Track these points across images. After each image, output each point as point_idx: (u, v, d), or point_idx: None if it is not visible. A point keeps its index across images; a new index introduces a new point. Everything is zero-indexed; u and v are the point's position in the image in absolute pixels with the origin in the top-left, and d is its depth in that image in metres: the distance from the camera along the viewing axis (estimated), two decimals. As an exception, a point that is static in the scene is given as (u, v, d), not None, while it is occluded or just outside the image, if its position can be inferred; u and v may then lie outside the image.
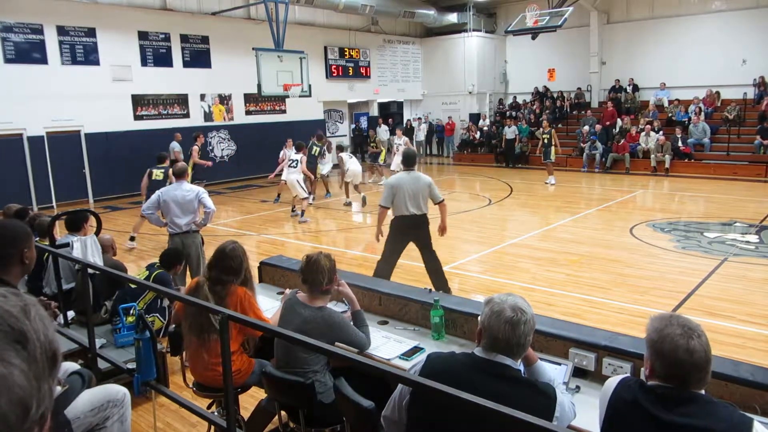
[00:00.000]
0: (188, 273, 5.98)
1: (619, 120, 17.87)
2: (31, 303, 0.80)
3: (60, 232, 5.93)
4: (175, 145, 13.10)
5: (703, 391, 1.71)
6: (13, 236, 2.46)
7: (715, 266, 7.20)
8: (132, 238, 9.17)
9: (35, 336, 0.76)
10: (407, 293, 3.64)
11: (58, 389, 2.35)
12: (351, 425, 2.60)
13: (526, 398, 1.83)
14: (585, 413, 2.11)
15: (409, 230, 5.92)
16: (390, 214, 5.98)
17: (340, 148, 13.08)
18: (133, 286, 4.55)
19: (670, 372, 1.70)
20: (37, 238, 5.03)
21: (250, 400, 3.77)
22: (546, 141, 14.93)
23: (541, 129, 15.46)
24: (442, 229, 6.11)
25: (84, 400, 2.51)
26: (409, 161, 6.03)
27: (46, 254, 4.85)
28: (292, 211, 11.61)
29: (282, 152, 13.12)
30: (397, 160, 14.99)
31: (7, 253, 2.41)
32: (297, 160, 11.23)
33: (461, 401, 1.58)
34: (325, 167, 13.70)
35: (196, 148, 12.41)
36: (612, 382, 1.86)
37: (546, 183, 14.82)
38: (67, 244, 4.66)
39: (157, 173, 8.99)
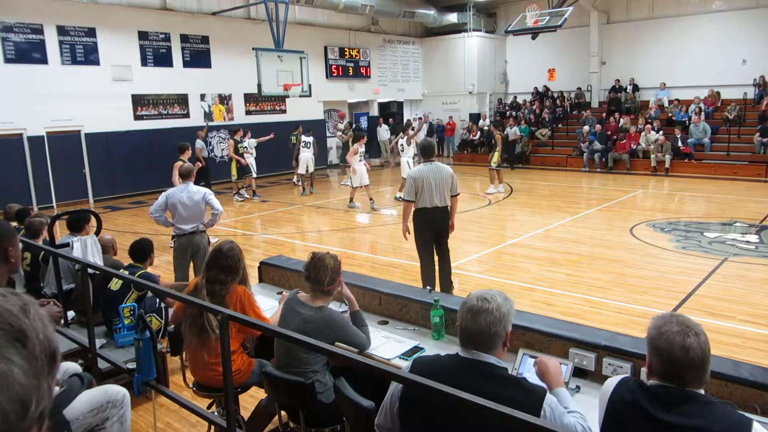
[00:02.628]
0: (192, 273, 5.97)
1: (621, 119, 17.89)
2: (30, 302, 0.80)
3: (61, 232, 5.94)
4: (197, 143, 13.32)
5: (702, 391, 1.70)
6: None
7: (715, 266, 7.20)
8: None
9: (35, 334, 0.76)
10: (407, 293, 3.63)
11: (56, 390, 2.35)
12: (351, 425, 2.60)
13: (511, 395, 1.81)
14: (585, 413, 2.10)
15: (434, 223, 5.75)
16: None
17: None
18: (114, 288, 4.48)
19: (665, 369, 1.71)
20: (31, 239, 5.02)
21: (250, 400, 3.77)
22: (493, 145, 13.61)
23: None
24: (451, 226, 5.91)
25: (83, 401, 2.51)
26: (427, 152, 5.86)
27: (42, 254, 4.85)
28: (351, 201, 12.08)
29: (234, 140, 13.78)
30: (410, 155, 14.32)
31: None
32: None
33: (451, 401, 1.57)
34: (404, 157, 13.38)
35: (231, 142, 13.43)
36: (611, 383, 1.85)
37: (488, 192, 13.42)
38: (67, 244, 4.66)
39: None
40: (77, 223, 5.09)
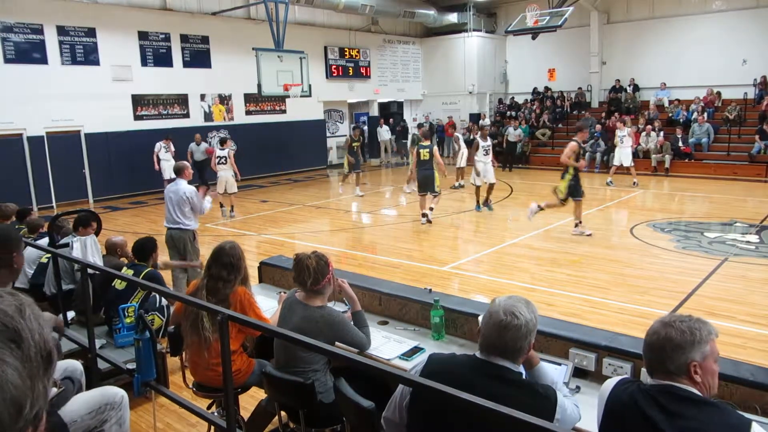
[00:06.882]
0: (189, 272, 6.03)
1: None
2: (27, 303, 0.80)
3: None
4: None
5: (696, 390, 1.70)
6: (5, 240, 2.44)
7: (716, 266, 7.20)
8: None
9: (30, 335, 0.76)
10: (407, 293, 3.63)
11: (54, 390, 2.34)
12: (351, 425, 2.59)
13: (526, 401, 1.82)
14: (585, 413, 2.10)
15: None
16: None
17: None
18: (120, 288, 4.48)
19: (645, 358, 1.75)
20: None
21: (250, 400, 3.76)
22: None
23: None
24: None
25: (81, 403, 2.50)
26: None
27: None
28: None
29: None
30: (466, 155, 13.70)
31: None
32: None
33: (461, 402, 1.57)
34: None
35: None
36: (609, 383, 1.86)
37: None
38: (67, 245, 4.67)
39: (424, 153, 9.78)
40: (73, 224, 5.09)
